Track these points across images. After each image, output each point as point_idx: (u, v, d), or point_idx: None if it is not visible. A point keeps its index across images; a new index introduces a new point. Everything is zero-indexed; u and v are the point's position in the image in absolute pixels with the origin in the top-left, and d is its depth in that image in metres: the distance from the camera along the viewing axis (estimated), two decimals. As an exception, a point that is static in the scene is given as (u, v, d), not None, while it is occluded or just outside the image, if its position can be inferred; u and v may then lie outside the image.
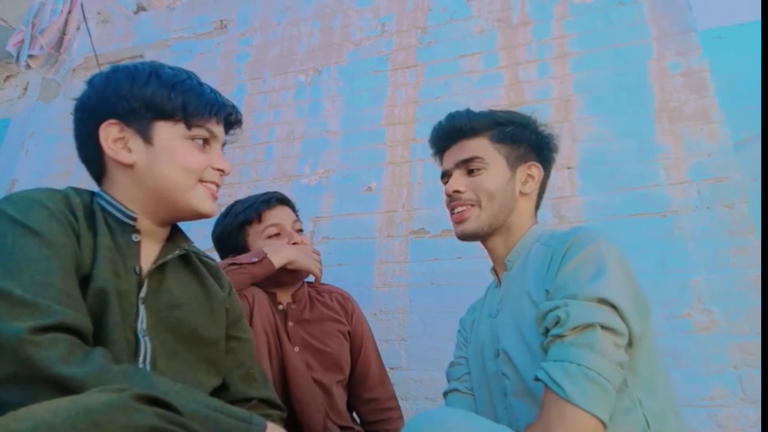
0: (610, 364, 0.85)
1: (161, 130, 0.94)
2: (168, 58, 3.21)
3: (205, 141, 0.99)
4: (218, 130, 1.01)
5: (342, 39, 2.89)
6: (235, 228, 1.57)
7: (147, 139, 0.94)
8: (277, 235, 1.54)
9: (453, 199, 1.22)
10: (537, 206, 1.27)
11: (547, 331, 0.93)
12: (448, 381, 1.28)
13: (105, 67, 1.09)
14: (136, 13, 3.72)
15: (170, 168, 0.94)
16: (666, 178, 1.97)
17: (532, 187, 1.22)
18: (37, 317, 0.72)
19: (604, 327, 0.86)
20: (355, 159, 2.55)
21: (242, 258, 1.42)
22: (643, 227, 1.92)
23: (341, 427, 1.46)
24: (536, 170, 1.23)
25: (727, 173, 1.89)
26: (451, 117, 1.27)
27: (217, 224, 1.61)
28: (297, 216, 1.64)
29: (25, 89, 3.95)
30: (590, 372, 0.83)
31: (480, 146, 1.22)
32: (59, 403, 0.53)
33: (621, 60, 2.22)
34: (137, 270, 0.92)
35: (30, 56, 3.00)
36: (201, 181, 0.98)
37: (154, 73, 0.95)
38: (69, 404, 0.52)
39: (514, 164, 1.21)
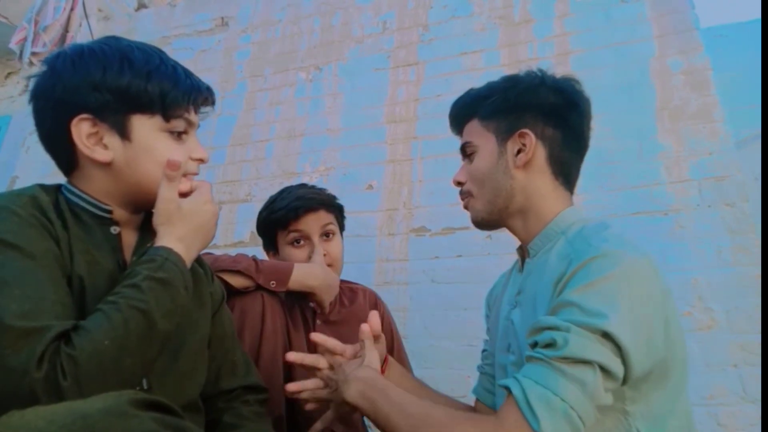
0: (593, 409, 0.78)
1: (138, 125, 0.86)
2: (169, 55, 3.20)
3: (181, 131, 0.92)
4: (194, 117, 0.94)
5: (343, 36, 2.88)
6: (268, 226, 1.56)
7: (124, 135, 0.85)
8: (303, 240, 1.51)
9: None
10: (566, 180, 1.08)
11: (535, 344, 0.84)
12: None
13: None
14: (137, 10, 3.72)
15: (152, 165, 0.87)
16: (667, 176, 1.97)
17: (524, 159, 1.03)
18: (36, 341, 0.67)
19: (602, 368, 0.78)
20: (356, 157, 2.55)
21: (262, 274, 1.37)
22: (645, 226, 1.92)
23: None
24: (528, 138, 1.04)
25: (729, 172, 1.88)
26: (452, 107, 1.19)
27: (260, 213, 1.59)
28: (337, 214, 1.59)
29: (27, 86, 3.94)
30: (572, 414, 0.76)
31: (470, 130, 1.12)
32: (54, 410, 0.51)
33: (622, 58, 2.21)
34: (120, 262, 0.88)
35: (33, 53, 3.01)
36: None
37: (125, 59, 0.86)
38: (64, 411, 0.51)
39: (504, 138, 1.06)
